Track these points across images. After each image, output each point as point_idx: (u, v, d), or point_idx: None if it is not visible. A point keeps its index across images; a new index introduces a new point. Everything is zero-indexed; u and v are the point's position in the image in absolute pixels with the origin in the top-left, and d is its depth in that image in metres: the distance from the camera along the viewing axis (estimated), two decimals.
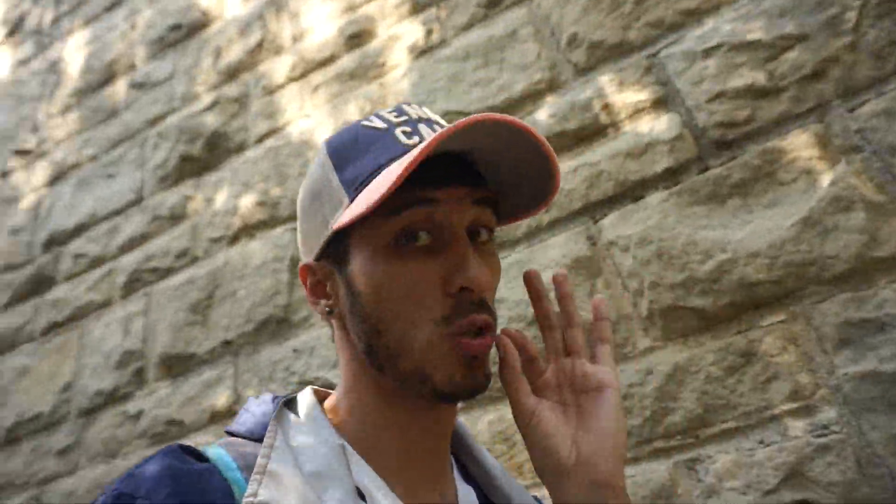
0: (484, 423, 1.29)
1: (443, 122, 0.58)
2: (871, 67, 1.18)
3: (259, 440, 0.50)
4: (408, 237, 0.50)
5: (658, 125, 1.35)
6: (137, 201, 2.12)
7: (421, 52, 1.75)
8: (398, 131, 0.53)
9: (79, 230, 2.21)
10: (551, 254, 1.35)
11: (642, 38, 1.45)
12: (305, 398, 0.56)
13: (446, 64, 1.68)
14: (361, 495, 0.48)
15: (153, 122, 2.25)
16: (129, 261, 2.02)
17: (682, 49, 1.38)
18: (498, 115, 0.46)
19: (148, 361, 1.81)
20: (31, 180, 2.51)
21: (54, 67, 2.77)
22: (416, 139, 0.52)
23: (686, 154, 1.30)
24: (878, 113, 1.14)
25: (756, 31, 1.30)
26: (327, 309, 0.55)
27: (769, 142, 1.22)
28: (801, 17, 1.28)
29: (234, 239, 1.84)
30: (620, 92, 1.42)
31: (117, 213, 2.15)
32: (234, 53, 2.17)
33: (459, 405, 0.60)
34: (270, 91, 2.00)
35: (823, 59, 1.23)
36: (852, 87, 1.19)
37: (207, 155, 2.03)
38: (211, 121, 2.08)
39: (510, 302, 1.35)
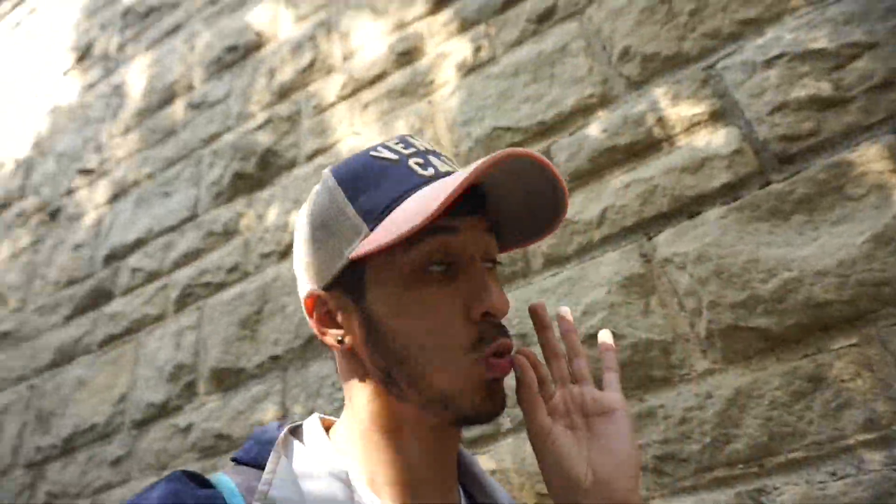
0: None
1: (445, 154, 0.59)
2: None
3: (263, 468, 0.50)
4: (428, 265, 0.51)
5: (715, 139, 1.30)
6: (192, 217, 2.17)
7: (470, 70, 1.75)
8: (411, 162, 0.54)
9: (137, 245, 2.28)
10: (603, 271, 1.31)
11: (698, 49, 1.41)
12: (311, 426, 0.57)
13: (496, 81, 1.68)
14: None
15: (209, 140, 2.31)
16: (183, 275, 2.06)
17: (741, 60, 1.33)
18: (526, 151, 0.49)
19: (199, 375, 1.84)
20: (93, 198, 2.61)
21: (118, 90, 2.89)
22: (431, 170, 0.54)
23: (746, 168, 1.25)
24: None
25: (820, 40, 1.24)
26: (339, 339, 0.55)
27: (836, 155, 1.16)
28: (869, 24, 1.22)
29: (284, 254, 1.86)
30: (675, 105, 1.38)
31: (173, 229, 2.21)
32: (286, 73, 2.22)
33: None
34: (321, 109, 2.04)
35: (894, 67, 1.16)
36: None
37: (260, 172, 2.07)
38: (264, 139, 2.12)
39: None
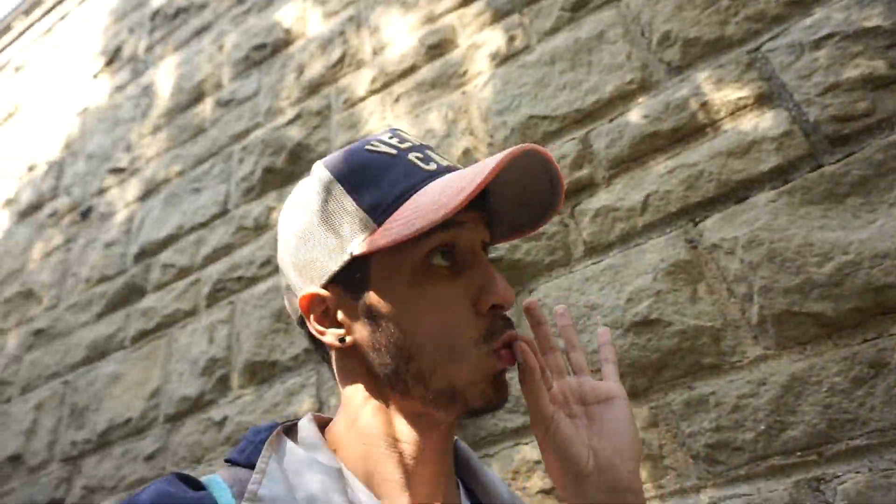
0: None
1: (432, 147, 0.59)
2: None
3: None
4: (433, 260, 0.50)
5: (763, 122, 1.27)
6: (223, 213, 2.18)
7: (504, 59, 1.73)
8: (412, 157, 0.53)
9: (167, 242, 2.29)
10: (649, 258, 1.28)
11: (742, 33, 1.38)
12: (305, 424, 0.55)
13: (532, 69, 1.66)
14: None
15: (238, 137, 2.32)
16: (215, 271, 2.07)
17: (788, 42, 1.30)
18: (534, 146, 0.49)
19: (232, 368, 1.84)
20: (124, 196, 2.63)
21: (147, 91, 2.92)
22: (433, 165, 0.53)
23: (796, 151, 1.21)
24: None
25: (873, 18, 1.21)
26: (340, 339, 0.53)
27: (894, 135, 1.13)
28: None
29: None
30: (719, 90, 1.35)
31: (203, 225, 2.22)
32: (315, 69, 2.22)
33: None
34: (352, 103, 2.03)
35: None
36: None
37: (290, 167, 2.07)
38: (294, 134, 2.12)
39: (605, 308, 1.29)
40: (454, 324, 0.50)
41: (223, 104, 2.48)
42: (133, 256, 2.38)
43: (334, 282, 0.52)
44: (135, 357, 2.13)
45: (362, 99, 2.02)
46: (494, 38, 1.78)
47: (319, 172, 0.55)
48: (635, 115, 1.43)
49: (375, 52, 2.08)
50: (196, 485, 0.47)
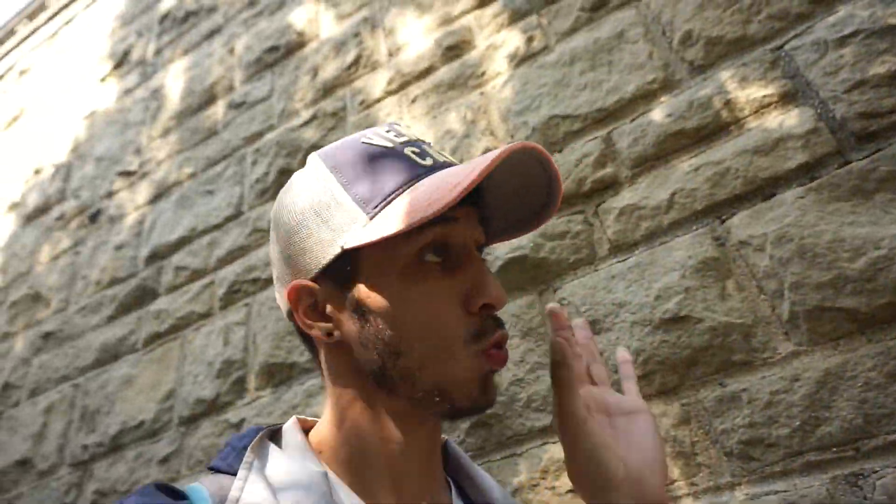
0: None
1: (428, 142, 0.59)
2: None
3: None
4: (425, 256, 0.50)
5: (788, 120, 1.27)
6: (237, 215, 2.17)
7: (523, 60, 1.74)
8: (408, 151, 0.53)
9: (180, 244, 2.28)
10: (676, 256, 1.28)
11: (765, 31, 1.38)
12: (289, 428, 0.55)
13: (551, 69, 1.66)
14: None
15: (251, 139, 2.32)
16: (229, 272, 2.06)
17: (812, 40, 1.31)
18: (533, 144, 0.49)
19: (249, 370, 1.83)
20: (134, 199, 2.62)
21: (156, 94, 2.91)
22: (430, 160, 0.53)
23: (823, 148, 1.22)
24: None
25: None
26: (326, 332, 0.52)
27: None
28: None
29: None
30: (743, 88, 1.36)
31: (217, 227, 2.21)
32: (330, 71, 2.22)
33: None
34: (368, 105, 2.03)
35: None
36: None
37: None
38: (309, 135, 2.12)
39: (633, 305, 1.28)
40: (444, 321, 0.49)
41: (235, 106, 2.48)
42: (144, 259, 2.37)
43: (324, 275, 0.51)
44: (147, 359, 2.11)
45: (378, 100, 2.02)
46: (513, 39, 1.78)
47: (314, 164, 0.54)
48: (658, 114, 1.44)
49: (391, 54, 2.08)
50: (176, 494, 0.46)
